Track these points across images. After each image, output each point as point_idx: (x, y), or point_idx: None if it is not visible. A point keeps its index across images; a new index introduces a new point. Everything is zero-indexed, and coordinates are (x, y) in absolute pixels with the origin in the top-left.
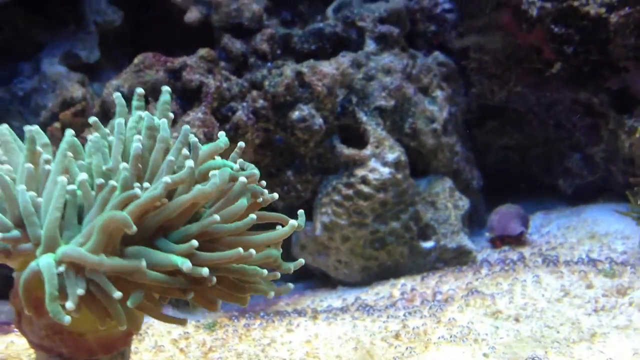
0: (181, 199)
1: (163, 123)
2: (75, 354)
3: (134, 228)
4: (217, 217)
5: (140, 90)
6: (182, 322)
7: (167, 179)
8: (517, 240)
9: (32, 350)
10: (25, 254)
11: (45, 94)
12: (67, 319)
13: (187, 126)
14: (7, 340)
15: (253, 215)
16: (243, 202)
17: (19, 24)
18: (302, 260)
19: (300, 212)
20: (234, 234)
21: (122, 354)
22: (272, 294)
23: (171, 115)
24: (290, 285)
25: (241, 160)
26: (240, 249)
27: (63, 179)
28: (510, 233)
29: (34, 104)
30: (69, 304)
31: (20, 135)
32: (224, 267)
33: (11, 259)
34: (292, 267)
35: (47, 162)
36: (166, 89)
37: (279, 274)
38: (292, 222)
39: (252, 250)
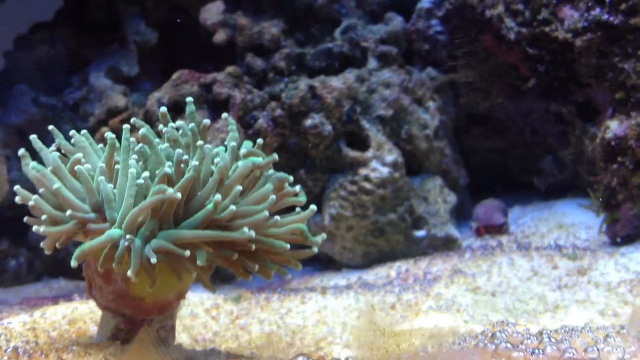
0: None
1: (194, 129)
2: (135, 314)
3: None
4: (233, 207)
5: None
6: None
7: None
8: (500, 230)
9: (93, 315)
10: (100, 232)
11: (92, 103)
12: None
13: (234, 144)
14: (73, 306)
15: (273, 197)
16: (269, 187)
17: (70, 43)
18: (324, 235)
19: (313, 207)
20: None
21: (172, 315)
22: (301, 266)
23: (200, 120)
24: (324, 235)
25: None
26: (266, 213)
27: (133, 171)
28: (494, 223)
29: (82, 112)
30: (130, 273)
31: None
32: (257, 239)
33: (89, 237)
34: (319, 240)
35: (117, 163)
36: (190, 100)
37: (314, 250)
38: (312, 207)
39: (278, 218)
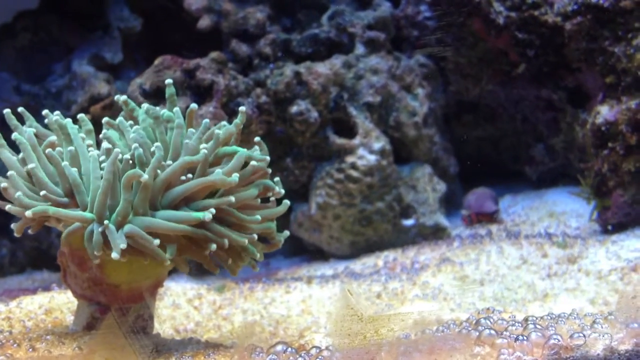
0: (205, 180)
1: (177, 111)
2: (111, 302)
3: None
4: (232, 198)
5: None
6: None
7: (187, 158)
8: (491, 218)
9: (70, 305)
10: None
11: (75, 91)
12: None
13: (207, 120)
14: (50, 295)
15: (258, 217)
16: (254, 191)
17: (52, 29)
18: (286, 232)
19: (286, 201)
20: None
21: (149, 303)
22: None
23: (182, 106)
24: (286, 232)
25: (258, 138)
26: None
27: (94, 153)
28: (486, 210)
29: (65, 99)
30: (114, 255)
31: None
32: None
33: (61, 223)
34: (282, 238)
35: (89, 145)
36: (169, 81)
37: (280, 241)
38: (286, 201)
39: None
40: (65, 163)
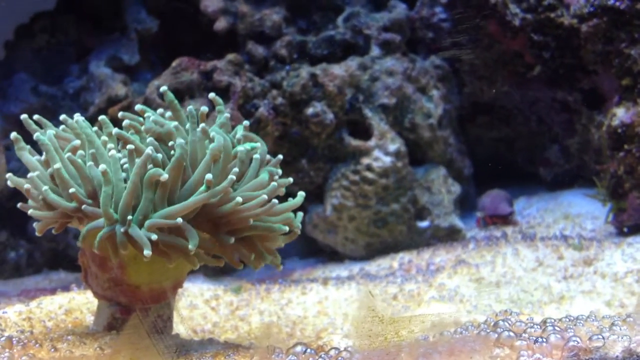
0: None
1: (191, 111)
2: (131, 303)
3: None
4: (239, 199)
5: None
6: (219, 262)
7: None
8: (506, 220)
9: (90, 305)
10: (96, 216)
11: (92, 92)
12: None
13: (227, 114)
14: (69, 296)
15: (274, 183)
16: (264, 177)
17: (70, 31)
18: (300, 214)
19: (301, 192)
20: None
21: (168, 304)
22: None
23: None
24: (300, 214)
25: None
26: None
27: (113, 153)
28: (500, 212)
29: (82, 101)
30: (146, 252)
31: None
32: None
33: (83, 224)
34: (299, 224)
35: (111, 148)
36: (164, 88)
37: (298, 227)
38: (301, 193)
39: (275, 201)
40: (90, 163)
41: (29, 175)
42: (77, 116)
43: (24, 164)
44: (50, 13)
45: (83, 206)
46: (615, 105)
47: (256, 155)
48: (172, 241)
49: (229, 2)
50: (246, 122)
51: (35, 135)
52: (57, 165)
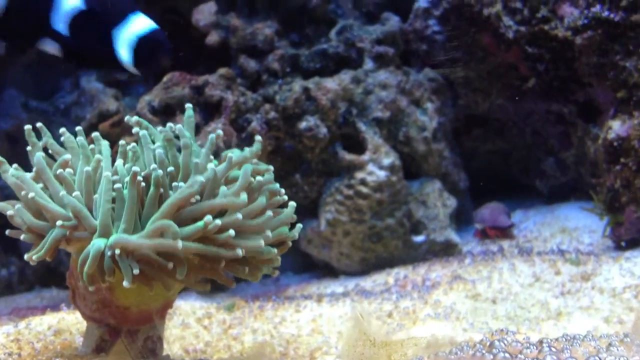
0: (215, 202)
1: (180, 129)
2: (120, 324)
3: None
4: (239, 215)
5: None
6: (205, 287)
7: (201, 177)
8: (505, 232)
9: (80, 325)
10: (82, 240)
11: (83, 107)
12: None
13: (213, 135)
14: (59, 316)
15: (270, 213)
16: (262, 200)
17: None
18: (300, 225)
19: (292, 203)
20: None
21: (158, 325)
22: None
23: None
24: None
25: (258, 137)
26: (262, 242)
27: (108, 174)
28: (500, 225)
29: (73, 116)
30: (125, 283)
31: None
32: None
33: (70, 245)
34: (296, 234)
35: (101, 165)
36: (189, 105)
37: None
38: (292, 203)
39: (266, 237)
40: (63, 192)
41: (16, 206)
42: (78, 130)
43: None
44: None
45: (75, 233)
46: (610, 118)
47: (259, 178)
48: (155, 273)
49: (221, 16)
50: (255, 149)
51: (10, 173)
52: (32, 193)
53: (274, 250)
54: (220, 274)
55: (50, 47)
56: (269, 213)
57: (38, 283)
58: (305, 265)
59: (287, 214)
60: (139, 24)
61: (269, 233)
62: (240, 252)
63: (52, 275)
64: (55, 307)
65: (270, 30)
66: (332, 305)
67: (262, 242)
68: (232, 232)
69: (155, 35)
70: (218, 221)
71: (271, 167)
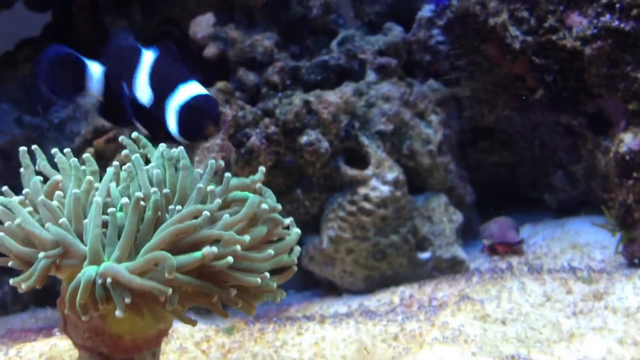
0: (215, 232)
1: (182, 151)
2: (113, 353)
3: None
4: (238, 247)
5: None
6: (193, 323)
7: (207, 213)
8: (514, 248)
9: (72, 352)
10: (72, 267)
11: (78, 122)
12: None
13: (213, 161)
14: (51, 342)
15: (271, 251)
16: (263, 229)
17: None
18: (298, 248)
19: (297, 230)
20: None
21: (153, 353)
22: (280, 297)
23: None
24: (297, 248)
25: (260, 185)
26: (258, 280)
27: (98, 199)
28: (509, 240)
29: (68, 131)
30: (118, 312)
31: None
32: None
33: (60, 272)
34: (294, 258)
35: (92, 187)
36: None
37: (293, 261)
38: (297, 230)
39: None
40: (48, 224)
41: (0, 234)
42: (67, 151)
43: None
44: (35, 40)
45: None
46: (622, 130)
47: (264, 206)
48: (146, 303)
49: (219, 28)
50: (259, 185)
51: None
52: (18, 220)
53: (273, 284)
54: (215, 305)
55: (139, 126)
56: (270, 251)
57: (32, 303)
58: (308, 282)
59: (289, 242)
60: (185, 92)
61: (266, 265)
62: (233, 292)
63: (47, 295)
64: (49, 329)
65: (270, 41)
66: (335, 327)
67: (259, 280)
68: (230, 259)
69: (197, 103)
70: (215, 249)
71: (279, 207)
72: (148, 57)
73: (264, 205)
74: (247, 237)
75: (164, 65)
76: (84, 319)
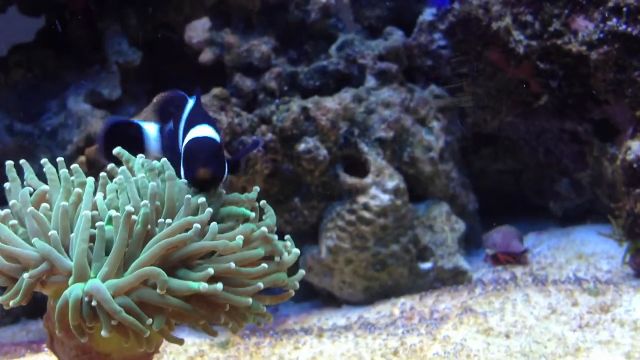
0: (206, 244)
1: (165, 162)
2: None
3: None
4: (232, 264)
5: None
6: (180, 342)
7: (198, 225)
8: (518, 258)
9: None
10: (57, 283)
11: (70, 130)
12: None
13: None
14: (39, 359)
15: (265, 265)
16: (260, 251)
17: (48, 65)
18: (302, 272)
19: (296, 250)
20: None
21: None
22: (267, 321)
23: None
24: (302, 272)
25: (264, 202)
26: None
27: (87, 213)
28: (513, 250)
29: (60, 139)
30: (104, 332)
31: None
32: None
33: (46, 288)
34: (295, 283)
35: (80, 199)
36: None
37: (294, 286)
38: (296, 250)
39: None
40: (35, 239)
41: None
42: (59, 160)
43: None
44: (27, 46)
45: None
46: (629, 137)
47: (263, 228)
48: (131, 322)
49: (215, 33)
50: (263, 202)
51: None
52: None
53: (263, 308)
54: (204, 325)
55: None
56: (264, 265)
57: (24, 315)
58: (306, 293)
59: (287, 262)
60: (191, 135)
61: (260, 284)
62: (222, 318)
63: (39, 306)
64: (40, 343)
65: (267, 47)
66: (333, 341)
67: (250, 301)
68: (220, 285)
69: (195, 144)
70: (211, 270)
71: (272, 223)
72: (189, 106)
73: (264, 228)
74: (240, 241)
75: (194, 112)
76: (83, 341)
